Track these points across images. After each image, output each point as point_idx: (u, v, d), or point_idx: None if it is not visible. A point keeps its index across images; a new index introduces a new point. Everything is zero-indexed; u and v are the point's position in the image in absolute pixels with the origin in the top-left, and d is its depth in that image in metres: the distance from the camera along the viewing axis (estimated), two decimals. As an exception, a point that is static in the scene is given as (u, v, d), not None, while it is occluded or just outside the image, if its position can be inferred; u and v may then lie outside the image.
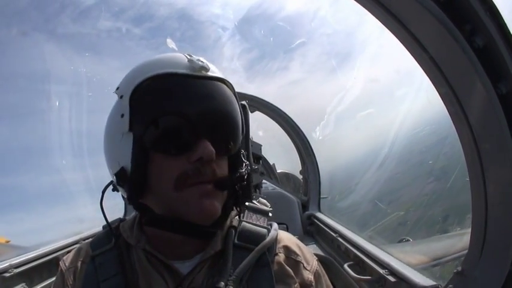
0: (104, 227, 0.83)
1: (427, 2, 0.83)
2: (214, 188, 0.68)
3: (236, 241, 0.75)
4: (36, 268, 2.20)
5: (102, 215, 0.78)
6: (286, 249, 0.81)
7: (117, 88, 0.72)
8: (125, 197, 0.74)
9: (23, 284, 2.08)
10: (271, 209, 0.88)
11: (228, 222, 0.80)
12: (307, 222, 3.58)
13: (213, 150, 0.65)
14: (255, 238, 0.76)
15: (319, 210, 3.69)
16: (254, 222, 0.81)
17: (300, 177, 4.30)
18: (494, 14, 0.79)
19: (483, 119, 0.90)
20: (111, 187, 0.76)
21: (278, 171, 5.95)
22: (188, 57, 0.69)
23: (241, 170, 0.76)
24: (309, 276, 0.78)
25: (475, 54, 0.83)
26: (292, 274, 0.76)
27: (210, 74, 0.69)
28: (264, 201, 0.94)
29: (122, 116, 0.68)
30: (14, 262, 2.07)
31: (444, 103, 0.99)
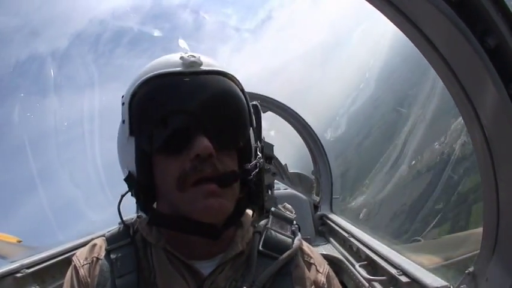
0: (119, 223, 0.82)
1: (439, 2, 0.83)
2: (218, 186, 0.65)
3: (261, 248, 0.74)
4: (48, 268, 2.19)
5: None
6: (301, 251, 0.81)
7: (122, 96, 0.73)
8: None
9: (35, 285, 2.06)
10: (295, 215, 0.88)
11: (253, 227, 0.79)
12: (319, 222, 3.60)
13: (209, 145, 0.63)
14: (280, 247, 0.75)
15: (331, 211, 3.69)
16: (279, 230, 0.79)
17: (312, 177, 4.30)
18: (506, 15, 0.78)
19: (495, 119, 0.90)
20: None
21: (290, 171, 5.96)
22: (182, 54, 0.68)
23: (248, 164, 0.73)
24: (321, 278, 0.79)
25: (486, 55, 0.82)
26: (309, 275, 0.77)
27: (204, 68, 0.68)
28: (289, 206, 0.93)
29: (123, 122, 0.71)
30: (26, 262, 2.06)
31: (455, 103, 0.99)
